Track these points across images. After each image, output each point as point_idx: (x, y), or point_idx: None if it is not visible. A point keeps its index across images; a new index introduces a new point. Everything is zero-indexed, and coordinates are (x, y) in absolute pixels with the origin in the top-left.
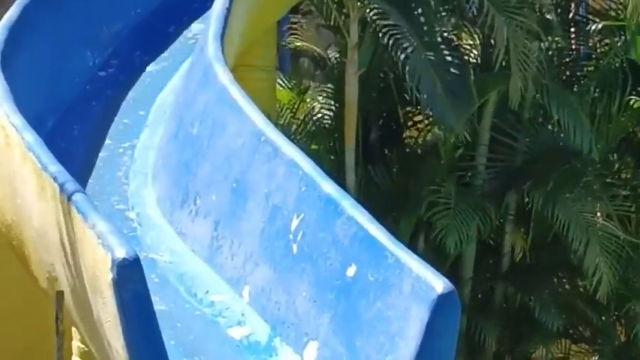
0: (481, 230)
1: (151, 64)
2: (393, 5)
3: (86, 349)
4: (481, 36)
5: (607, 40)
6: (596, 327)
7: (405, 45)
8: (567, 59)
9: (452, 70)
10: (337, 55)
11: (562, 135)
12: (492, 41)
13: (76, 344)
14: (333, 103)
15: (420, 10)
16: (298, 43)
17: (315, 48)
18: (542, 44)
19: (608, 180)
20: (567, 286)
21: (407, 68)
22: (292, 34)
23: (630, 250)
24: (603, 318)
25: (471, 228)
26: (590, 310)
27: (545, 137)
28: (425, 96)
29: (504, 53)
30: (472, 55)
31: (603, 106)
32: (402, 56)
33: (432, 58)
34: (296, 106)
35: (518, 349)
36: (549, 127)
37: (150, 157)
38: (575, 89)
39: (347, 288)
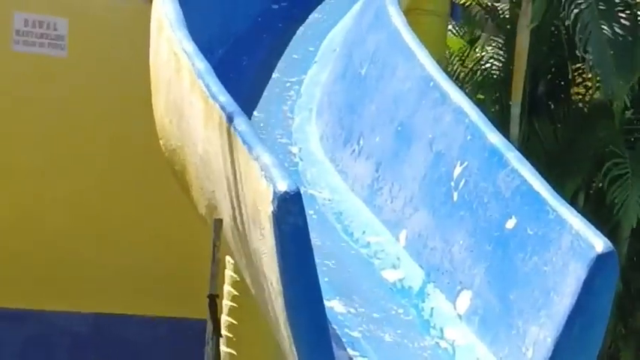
0: None
1: (324, 1)
2: None
3: (238, 278)
4: None
5: None
6: None
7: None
8: None
9: (622, 32)
10: (507, 7)
11: None
12: None
13: (228, 273)
14: (502, 54)
15: None
16: None
17: None
18: None
19: None
20: None
21: (578, 24)
22: None
23: None
24: None
25: None
26: None
27: None
28: (590, 54)
29: None
30: None
31: None
32: (575, 11)
33: (603, 8)
34: (465, 55)
35: None
36: None
37: (316, 94)
38: None
39: (505, 240)
